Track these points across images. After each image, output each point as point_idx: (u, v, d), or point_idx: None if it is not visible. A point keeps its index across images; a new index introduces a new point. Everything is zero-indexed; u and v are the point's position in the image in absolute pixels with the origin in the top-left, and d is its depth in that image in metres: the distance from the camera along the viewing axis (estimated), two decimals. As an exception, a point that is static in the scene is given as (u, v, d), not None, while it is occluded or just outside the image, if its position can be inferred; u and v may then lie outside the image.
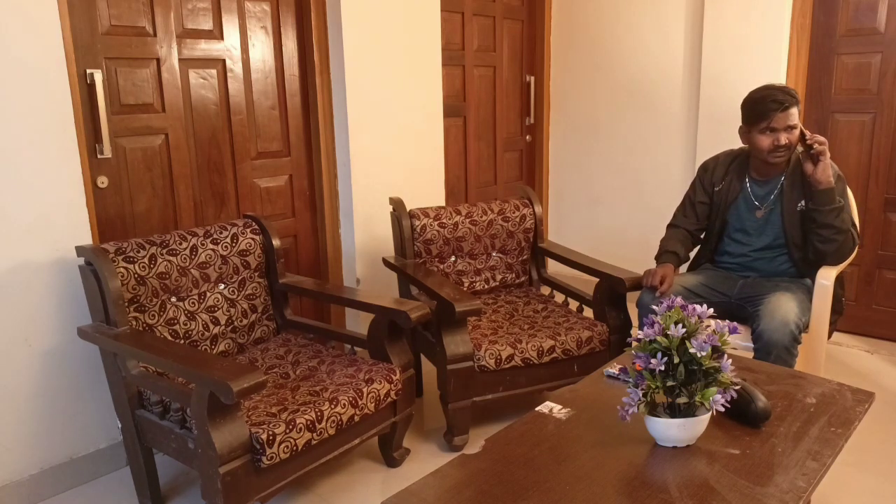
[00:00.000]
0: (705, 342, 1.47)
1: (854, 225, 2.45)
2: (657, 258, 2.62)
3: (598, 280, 2.76)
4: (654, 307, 1.60)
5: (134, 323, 2.15)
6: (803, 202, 2.43)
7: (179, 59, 2.57)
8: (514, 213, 3.05)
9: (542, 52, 4.28)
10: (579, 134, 4.29)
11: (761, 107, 2.37)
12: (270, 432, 1.85)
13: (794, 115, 2.35)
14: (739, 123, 2.47)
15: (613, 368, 1.98)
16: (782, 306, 2.29)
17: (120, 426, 2.20)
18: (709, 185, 2.64)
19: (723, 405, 1.49)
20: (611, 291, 2.68)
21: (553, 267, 3.19)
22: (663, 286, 2.42)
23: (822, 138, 2.32)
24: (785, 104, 2.33)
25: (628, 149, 4.09)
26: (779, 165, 2.46)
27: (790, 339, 2.24)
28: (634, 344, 1.56)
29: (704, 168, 2.68)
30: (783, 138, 2.36)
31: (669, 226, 2.75)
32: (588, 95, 4.20)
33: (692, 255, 2.74)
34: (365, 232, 3.14)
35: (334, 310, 3.24)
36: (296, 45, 2.96)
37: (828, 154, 2.32)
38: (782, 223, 2.48)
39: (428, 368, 2.78)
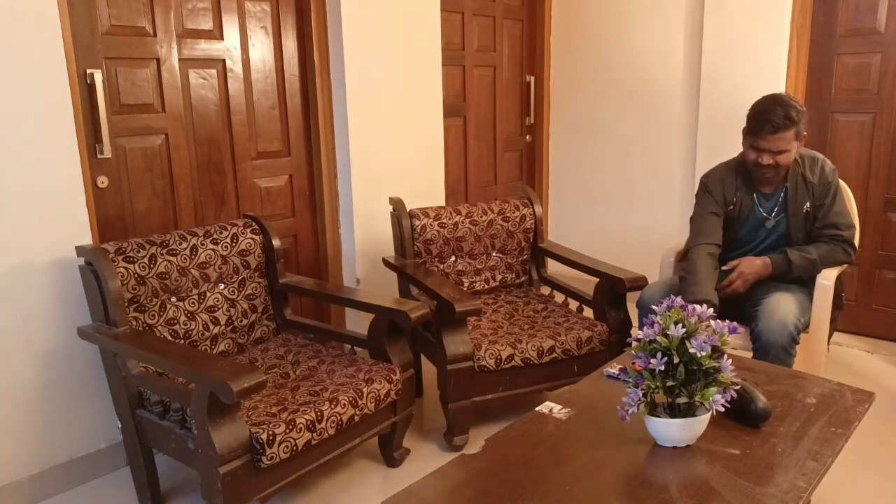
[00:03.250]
0: (705, 342, 1.47)
1: (843, 228, 2.43)
2: (696, 294, 2.32)
3: (598, 280, 2.76)
4: (654, 307, 1.60)
5: (134, 323, 2.15)
6: (808, 204, 2.43)
7: (179, 59, 2.57)
8: (514, 213, 3.05)
9: (542, 52, 4.28)
10: (579, 134, 4.28)
11: (755, 122, 2.36)
12: (270, 432, 1.85)
13: (786, 139, 2.31)
14: (739, 123, 2.46)
15: (613, 368, 1.98)
16: (781, 307, 2.29)
17: (120, 426, 2.20)
18: (721, 199, 2.51)
19: (723, 405, 1.49)
20: (611, 291, 2.68)
21: (553, 267, 3.19)
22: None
23: (734, 284, 2.43)
24: (777, 128, 2.29)
25: (628, 149, 4.09)
26: (778, 176, 2.43)
27: (788, 339, 2.24)
28: (634, 344, 1.56)
29: (712, 185, 2.54)
30: (766, 159, 2.35)
31: (696, 246, 2.47)
32: (588, 95, 4.20)
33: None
34: (365, 232, 3.14)
35: (334, 310, 3.24)
36: (296, 45, 2.96)
37: (737, 287, 2.43)
38: (787, 228, 2.49)
39: (428, 368, 2.78)
